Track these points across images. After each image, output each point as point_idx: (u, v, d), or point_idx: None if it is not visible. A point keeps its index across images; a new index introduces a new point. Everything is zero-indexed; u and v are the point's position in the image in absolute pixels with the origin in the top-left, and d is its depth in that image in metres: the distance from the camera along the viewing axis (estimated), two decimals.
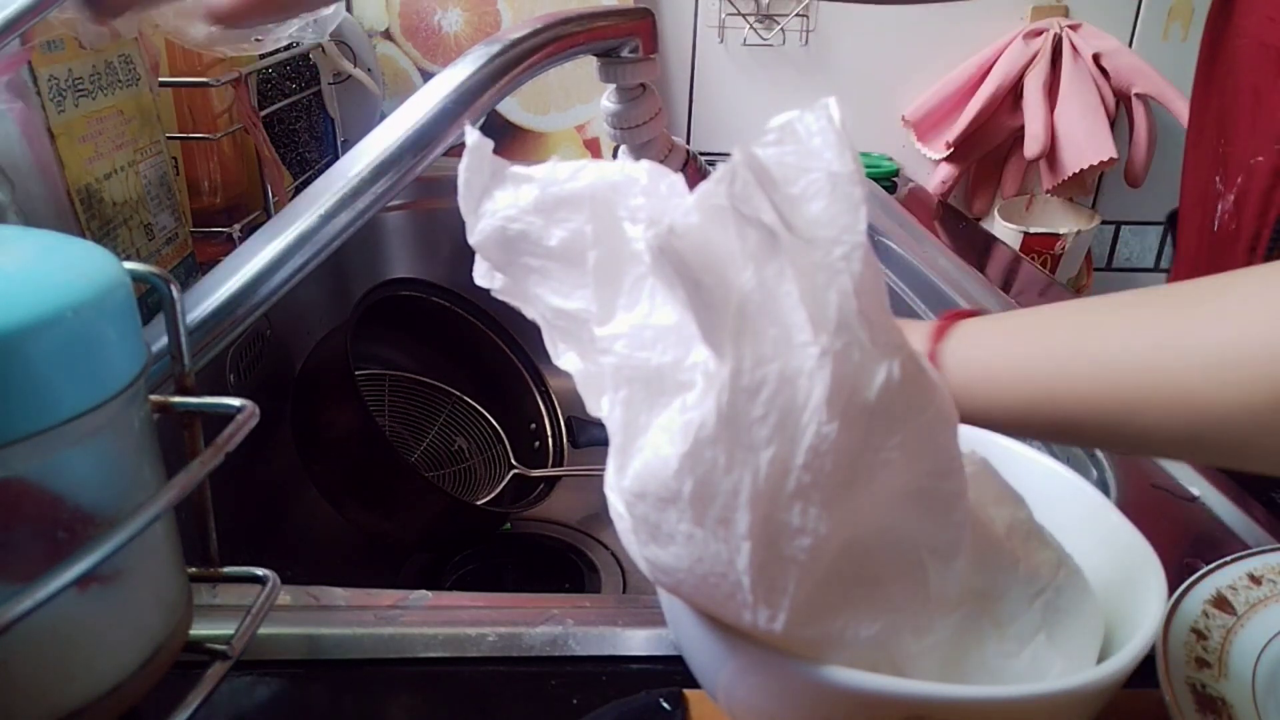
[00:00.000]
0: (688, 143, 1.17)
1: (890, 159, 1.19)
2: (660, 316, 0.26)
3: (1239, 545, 0.46)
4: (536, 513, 0.88)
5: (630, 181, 0.27)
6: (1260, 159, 0.50)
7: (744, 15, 1.14)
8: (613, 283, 0.26)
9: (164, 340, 0.35)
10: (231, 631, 0.33)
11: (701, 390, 0.24)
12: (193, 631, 0.34)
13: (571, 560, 0.84)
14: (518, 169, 0.29)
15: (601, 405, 0.27)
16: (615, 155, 0.65)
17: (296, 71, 0.96)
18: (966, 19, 1.17)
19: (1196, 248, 0.61)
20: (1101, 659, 0.29)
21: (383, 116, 0.77)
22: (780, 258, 0.23)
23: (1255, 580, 0.39)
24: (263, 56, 0.83)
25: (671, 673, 0.38)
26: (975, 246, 0.94)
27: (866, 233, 0.23)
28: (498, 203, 0.29)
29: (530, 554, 0.86)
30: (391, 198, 0.53)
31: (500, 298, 0.31)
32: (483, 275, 0.31)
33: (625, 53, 0.59)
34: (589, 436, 0.95)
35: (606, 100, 0.62)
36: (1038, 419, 0.36)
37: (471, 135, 0.29)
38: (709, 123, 1.19)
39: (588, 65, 0.60)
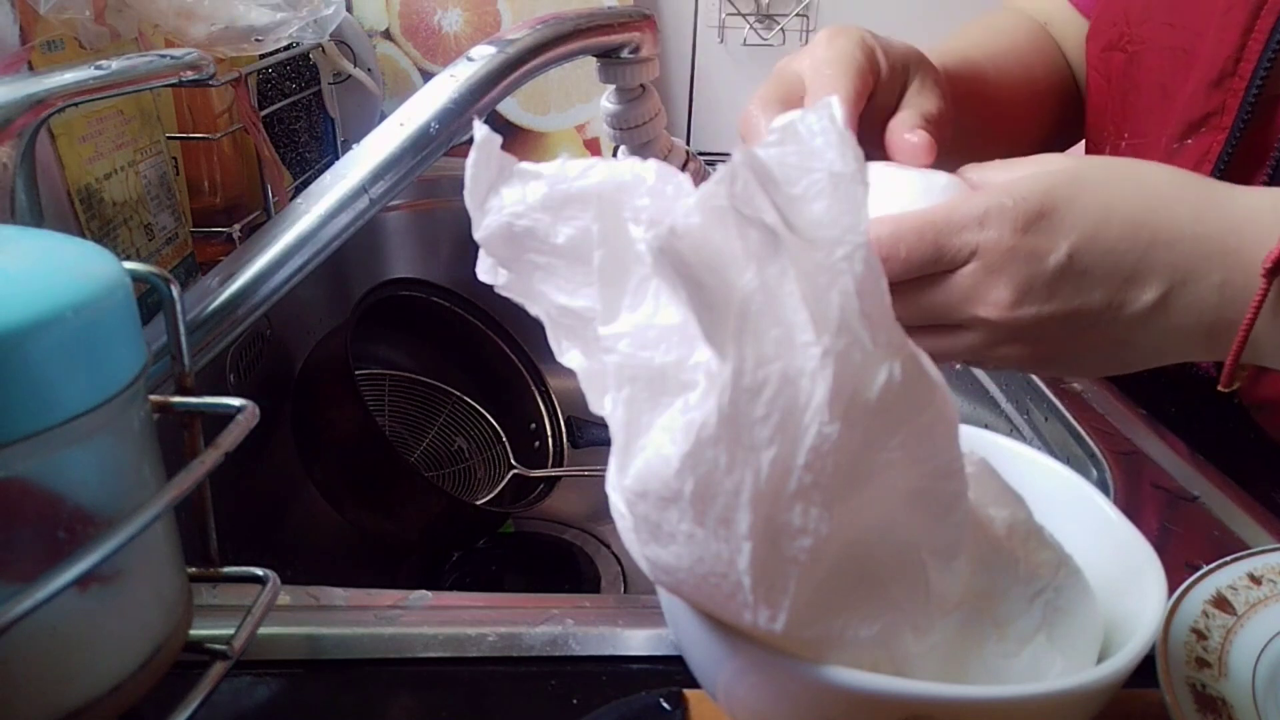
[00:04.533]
0: (688, 143, 1.17)
1: None
2: (664, 316, 0.26)
3: (1239, 545, 0.46)
4: (536, 513, 0.88)
5: (638, 181, 0.27)
6: (1175, 145, 0.55)
7: (744, 15, 1.14)
8: (617, 282, 0.26)
9: (164, 340, 0.35)
10: (231, 631, 0.33)
11: (704, 390, 0.24)
12: (193, 631, 0.34)
13: (571, 560, 0.84)
14: (526, 165, 0.29)
15: (604, 404, 0.27)
16: (615, 155, 0.65)
17: (296, 71, 0.96)
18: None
19: None
20: (1101, 659, 0.29)
21: (383, 116, 0.77)
22: (782, 258, 0.23)
23: (1255, 580, 0.39)
24: (263, 56, 0.83)
25: (671, 673, 0.38)
26: None
27: (868, 233, 0.24)
28: (505, 199, 0.29)
29: (530, 554, 0.86)
30: (392, 198, 0.53)
31: (504, 294, 0.31)
32: (486, 271, 0.31)
33: (625, 53, 0.59)
34: (589, 436, 0.95)
35: (606, 101, 0.62)
36: None
37: (480, 130, 0.29)
38: (709, 123, 1.19)
39: (588, 65, 0.60)
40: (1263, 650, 0.36)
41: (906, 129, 0.45)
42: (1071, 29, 0.69)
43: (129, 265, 0.31)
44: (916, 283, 0.40)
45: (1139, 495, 0.51)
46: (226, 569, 0.37)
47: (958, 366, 0.74)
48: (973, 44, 0.64)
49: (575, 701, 0.37)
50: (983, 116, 0.60)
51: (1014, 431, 0.66)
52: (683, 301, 0.23)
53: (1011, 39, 0.69)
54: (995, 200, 0.39)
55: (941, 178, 0.42)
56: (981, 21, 0.71)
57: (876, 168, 0.43)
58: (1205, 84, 0.54)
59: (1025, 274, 0.38)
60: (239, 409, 0.33)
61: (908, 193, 0.41)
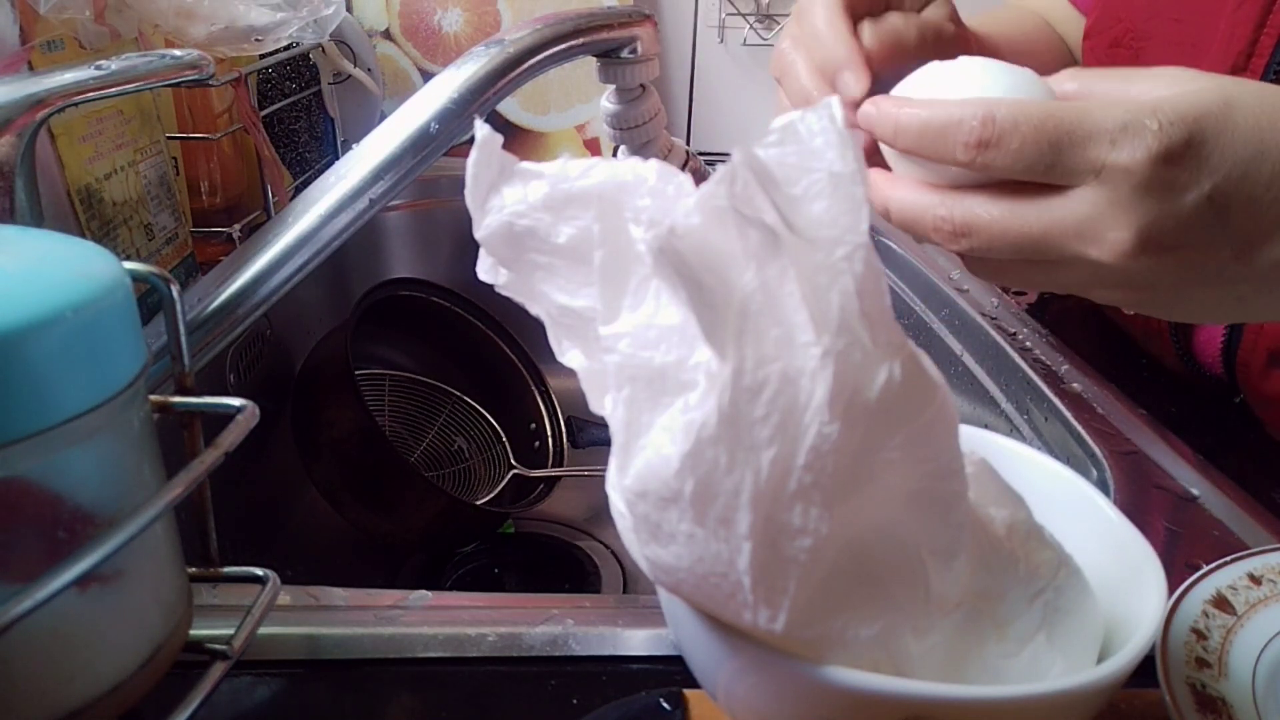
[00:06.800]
0: (688, 143, 1.17)
1: None
2: (664, 316, 0.26)
3: (1239, 545, 0.46)
4: (537, 512, 0.88)
5: (639, 181, 0.27)
6: None
7: (744, 15, 1.14)
8: (618, 282, 0.26)
9: (164, 340, 0.35)
10: (231, 631, 0.33)
11: (704, 390, 0.24)
12: (193, 631, 0.34)
13: (571, 560, 0.84)
14: (527, 165, 0.29)
15: (604, 404, 0.27)
16: (615, 155, 0.65)
17: (296, 71, 0.96)
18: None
19: None
20: (1101, 659, 0.29)
21: (383, 116, 0.77)
22: (782, 258, 0.23)
23: (1255, 580, 0.39)
24: (263, 56, 0.83)
25: (671, 673, 0.38)
26: None
27: (868, 233, 0.24)
28: (506, 198, 0.29)
29: (530, 554, 0.86)
30: (392, 198, 0.53)
31: (504, 294, 0.31)
32: (486, 270, 0.31)
33: (625, 53, 0.59)
34: (589, 436, 0.95)
35: (606, 101, 0.62)
36: None
37: (481, 129, 0.29)
38: (709, 123, 1.19)
39: (588, 65, 0.60)
40: (1263, 650, 0.36)
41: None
42: (1070, 26, 0.70)
43: (129, 265, 0.31)
44: (1017, 197, 0.35)
45: (1139, 495, 0.51)
46: (226, 569, 0.37)
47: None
48: (983, 25, 0.64)
49: (575, 701, 0.37)
50: None
51: (1014, 431, 0.66)
52: (683, 301, 0.23)
53: (1020, 26, 0.70)
54: (1137, 118, 0.33)
55: (1032, 75, 0.36)
56: (989, 13, 0.74)
57: (958, 61, 0.38)
58: None
59: (1156, 214, 0.33)
60: (239, 409, 0.33)
61: (999, 83, 0.36)
